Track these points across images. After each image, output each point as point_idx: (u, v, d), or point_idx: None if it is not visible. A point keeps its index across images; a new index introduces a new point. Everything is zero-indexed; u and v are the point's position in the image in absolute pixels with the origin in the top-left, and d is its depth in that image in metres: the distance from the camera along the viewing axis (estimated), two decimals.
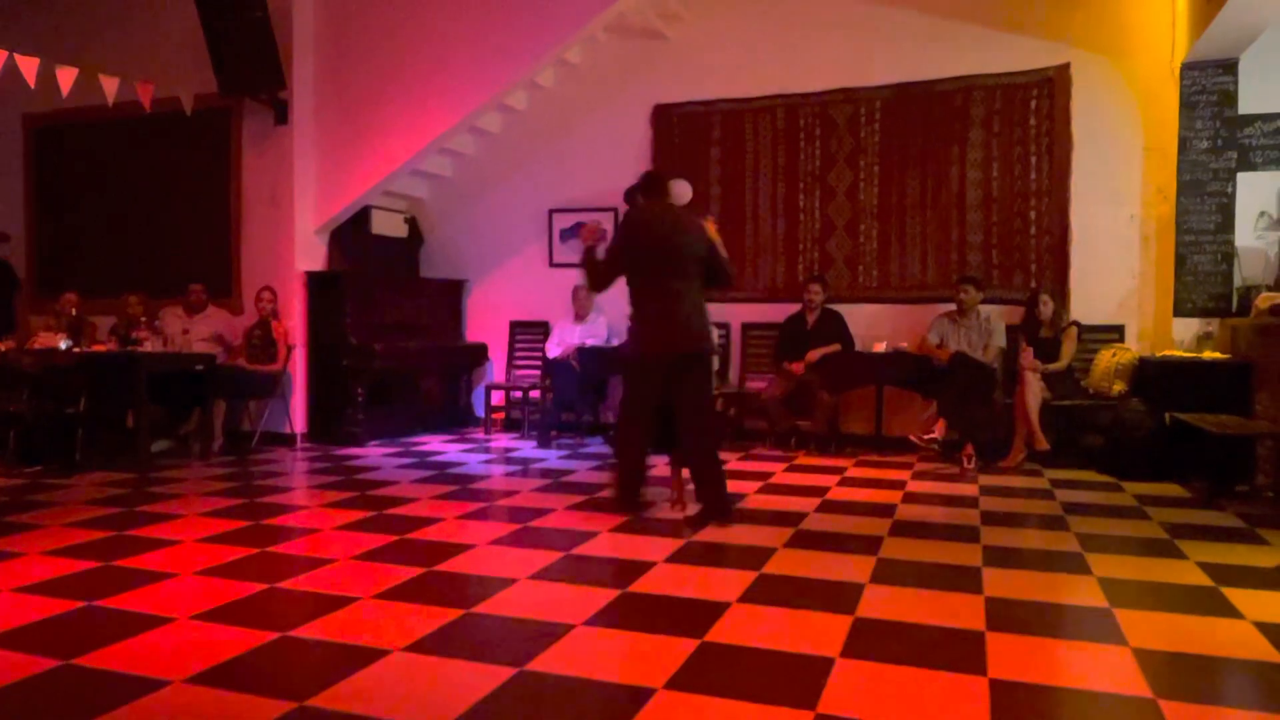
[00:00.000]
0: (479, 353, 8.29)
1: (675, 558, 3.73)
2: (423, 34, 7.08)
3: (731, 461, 6.27)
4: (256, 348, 7.05)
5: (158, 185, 7.89)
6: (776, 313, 7.23)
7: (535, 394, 7.64)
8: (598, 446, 7.05)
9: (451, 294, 8.34)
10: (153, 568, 3.57)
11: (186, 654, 2.66)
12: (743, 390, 7.29)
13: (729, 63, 7.50)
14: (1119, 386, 5.95)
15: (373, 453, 6.71)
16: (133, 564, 3.63)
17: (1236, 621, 2.95)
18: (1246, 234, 6.09)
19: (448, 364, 8.18)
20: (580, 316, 7.56)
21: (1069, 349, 6.16)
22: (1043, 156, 6.68)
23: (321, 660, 2.65)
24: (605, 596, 3.20)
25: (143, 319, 6.91)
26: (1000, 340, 6.35)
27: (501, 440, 7.45)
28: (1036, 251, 6.72)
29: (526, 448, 6.96)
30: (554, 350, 7.43)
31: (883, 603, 3.12)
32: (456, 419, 8.28)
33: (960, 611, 3.02)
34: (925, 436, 5.99)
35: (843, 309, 6.94)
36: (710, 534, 4.16)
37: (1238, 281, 6.07)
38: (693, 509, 4.61)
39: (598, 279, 4.67)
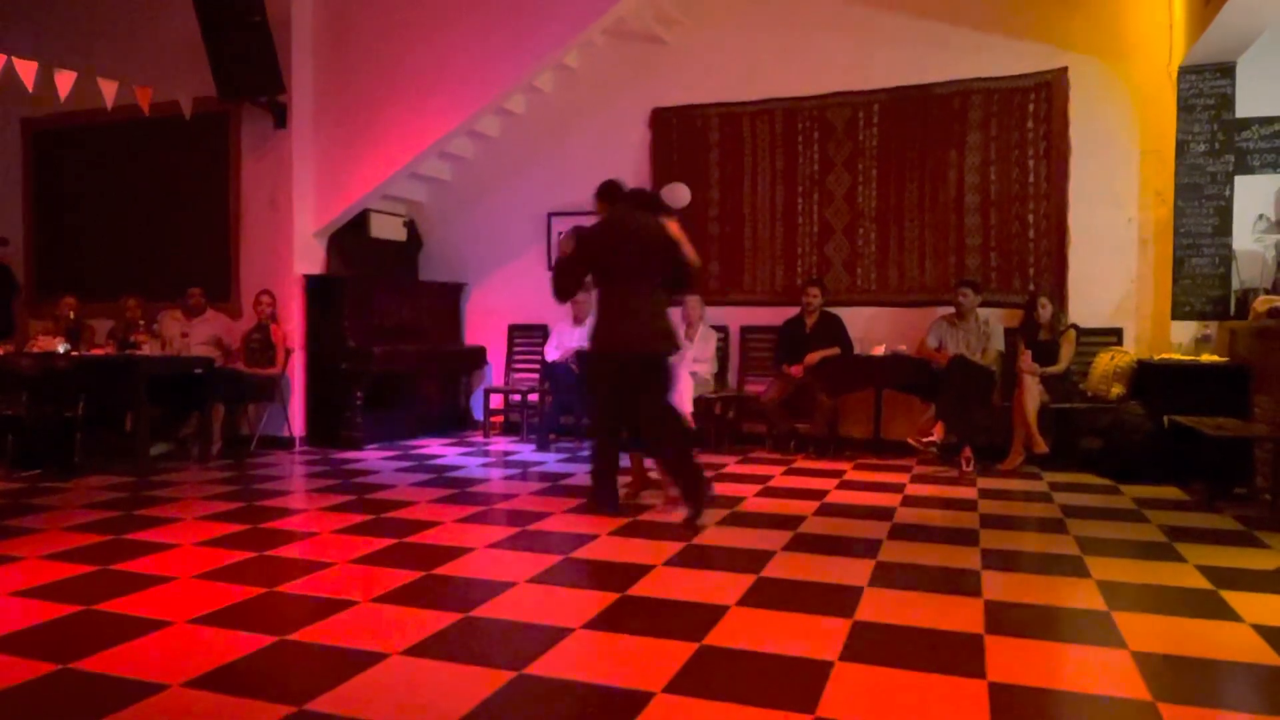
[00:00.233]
0: (478, 356, 8.29)
1: (674, 561, 3.73)
2: (422, 38, 7.09)
3: (730, 464, 6.28)
4: (255, 351, 7.05)
5: (157, 189, 7.89)
6: (775, 316, 7.24)
7: (534, 397, 7.64)
8: None
9: (450, 297, 8.34)
10: (151, 571, 3.57)
11: (185, 657, 2.66)
12: (741, 393, 7.30)
13: (727, 66, 7.51)
14: (1117, 389, 5.95)
15: (371, 456, 6.71)
16: (131, 568, 3.62)
17: (1235, 624, 2.95)
18: (1244, 237, 6.10)
19: (446, 367, 8.18)
20: (579, 320, 7.55)
21: (1067, 352, 6.17)
22: (1041, 160, 6.69)
23: (320, 664, 2.65)
24: (604, 600, 3.20)
25: (141, 322, 6.91)
26: (999, 343, 6.36)
27: (500, 443, 7.45)
28: (1035, 255, 6.73)
29: (525, 451, 6.96)
30: (553, 353, 7.42)
31: (882, 606, 3.12)
32: (455, 422, 8.27)
33: (959, 615, 3.02)
34: (924, 440, 5.99)
35: (841, 312, 6.94)
36: (709, 537, 4.16)
37: (1235, 285, 6.08)
38: (656, 500, 4.88)
39: (559, 290, 4.75)
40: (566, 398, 7.24)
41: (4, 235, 8.30)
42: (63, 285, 7.79)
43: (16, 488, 5.45)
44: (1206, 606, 3.14)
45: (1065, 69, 6.59)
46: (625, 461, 5.09)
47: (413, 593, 3.30)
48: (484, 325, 8.32)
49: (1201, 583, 3.41)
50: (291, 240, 7.28)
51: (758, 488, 5.39)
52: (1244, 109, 6.08)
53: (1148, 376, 5.86)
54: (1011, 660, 2.62)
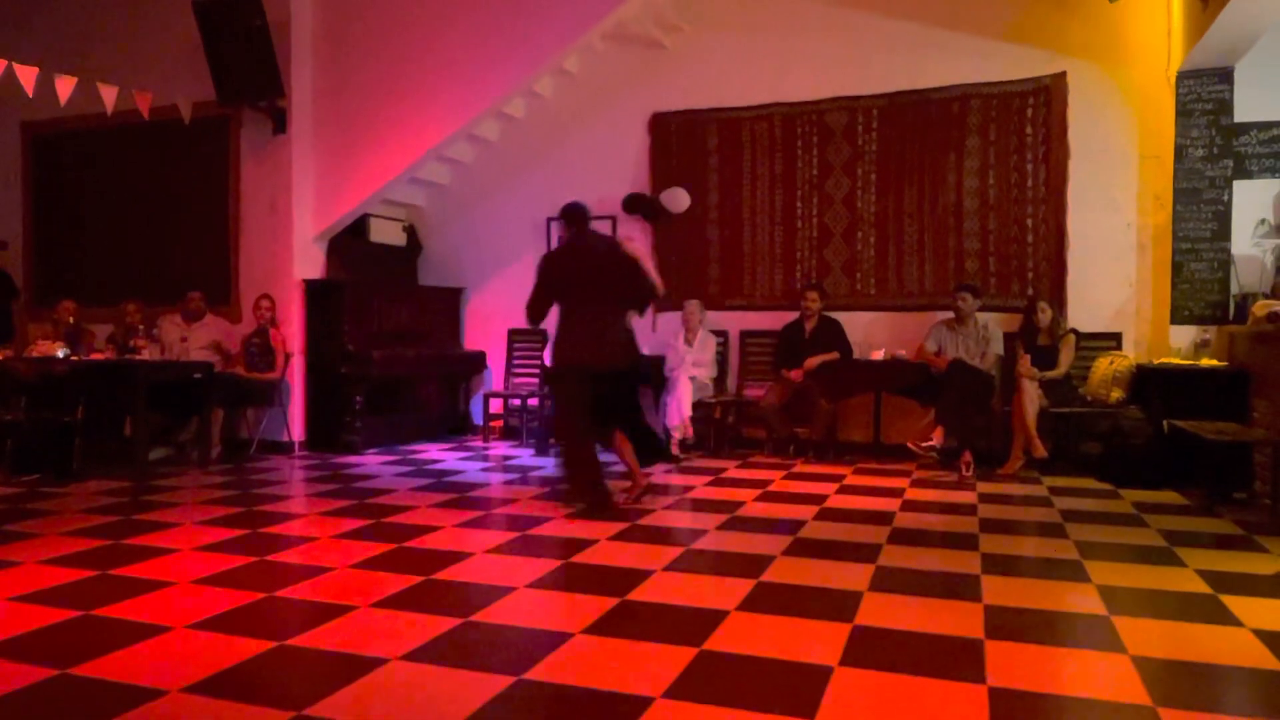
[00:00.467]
0: (477, 361, 8.29)
1: (674, 566, 3.73)
2: (421, 42, 7.10)
3: (730, 469, 6.27)
4: (254, 356, 7.05)
5: (156, 193, 7.89)
6: (774, 320, 7.25)
7: (534, 402, 7.64)
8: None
9: (450, 302, 8.34)
10: (150, 576, 3.56)
11: (184, 663, 2.66)
12: (741, 398, 7.30)
13: (726, 71, 7.53)
14: (1117, 394, 5.96)
15: (371, 461, 6.71)
16: (130, 573, 3.62)
17: (1235, 629, 2.95)
18: (1243, 241, 6.11)
19: (446, 372, 8.18)
20: None
21: (1067, 357, 6.17)
22: (1039, 164, 6.70)
23: (319, 669, 2.64)
24: (603, 605, 3.19)
25: (141, 327, 6.92)
26: (998, 348, 6.36)
27: (499, 448, 7.44)
28: (1034, 259, 6.74)
29: (524, 455, 6.96)
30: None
31: (881, 611, 3.12)
32: (455, 427, 8.27)
33: (959, 619, 3.02)
34: (923, 444, 5.99)
35: (841, 316, 6.95)
36: (709, 542, 4.16)
37: (1234, 289, 6.09)
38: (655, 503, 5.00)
39: (530, 315, 4.93)
40: None
41: (3, 239, 8.31)
42: (62, 290, 7.79)
43: (15, 492, 5.44)
44: (1206, 611, 3.14)
45: (1064, 74, 6.61)
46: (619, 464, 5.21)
47: (412, 598, 3.30)
48: (483, 330, 8.32)
49: (1201, 587, 3.41)
50: (291, 245, 7.28)
51: (757, 492, 5.39)
52: (1242, 114, 6.09)
53: (1147, 381, 5.87)
54: (1011, 665, 2.61)
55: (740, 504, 5.02)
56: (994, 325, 6.45)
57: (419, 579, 3.53)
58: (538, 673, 2.57)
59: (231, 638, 2.86)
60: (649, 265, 4.88)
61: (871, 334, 7.02)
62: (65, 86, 5.97)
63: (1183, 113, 6.18)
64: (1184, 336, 6.20)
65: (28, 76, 5.75)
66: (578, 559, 3.85)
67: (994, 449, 6.19)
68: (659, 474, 6.06)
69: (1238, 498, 5.13)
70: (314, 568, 3.71)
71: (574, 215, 4.97)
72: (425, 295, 8.19)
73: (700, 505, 5.08)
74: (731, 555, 3.93)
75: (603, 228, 7.83)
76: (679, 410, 6.65)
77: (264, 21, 6.70)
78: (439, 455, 7.01)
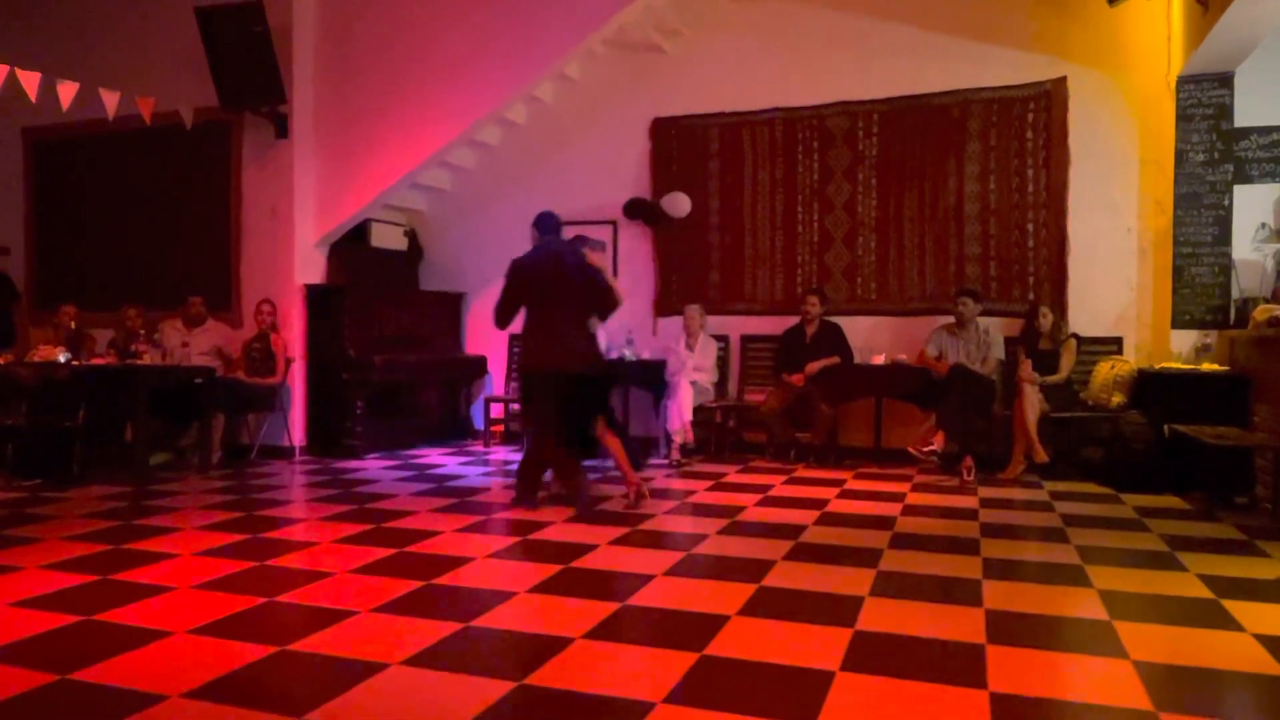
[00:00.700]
0: (478, 365, 8.30)
1: (675, 571, 3.73)
2: (423, 48, 7.12)
3: (731, 473, 6.27)
4: (256, 360, 7.05)
5: (158, 198, 7.91)
6: (775, 325, 7.25)
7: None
8: (597, 459, 7.03)
9: (451, 307, 8.35)
10: (150, 581, 3.56)
11: (184, 668, 2.65)
12: (742, 402, 7.29)
13: (727, 76, 7.54)
14: (1118, 398, 5.95)
15: (371, 465, 6.70)
16: (130, 578, 3.62)
17: (1237, 634, 2.94)
18: (1244, 246, 6.11)
19: (447, 376, 8.18)
20: None
21: (1068, 361, 6.17)
22: (1040, 169, 6.71)
23: (320, 674, 2.64)
24: (604, 609, 3.19)
25: (142, 332, 6.92)
26: (999, 352, 6.36)
27: (500, 452, 7.44)
28: (1034, 264, 6.74)
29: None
30: None
31: (882, 616, 3.11)
32: (456, 431, 8.27)
33: (960, 624, 3.01)
34: (924, 449, 5.98)
35: (841, 321, 6.95)
36: (710, 546, 4.16)
37: (1235, 294, 6.09)
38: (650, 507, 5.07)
39: (497, 319, 5.12)
40: None
41: (4, 244, 8.32)
42: (63, 294, 7.79)
43: (16, 497, 5.44)
44: (1208, 616, 3.13)
45: (1064, 79, 6.61)
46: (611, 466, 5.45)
47: (413, 602, 3.29)
48: (484, 334, 8.32)
49: (1203, 592, 3.41)
50: (292, 250, 7.29)
51: (758, 497, 5.39)
52: (1242, 119, 6.10)
53: (1148, 385, 5.86)
54: (1013, 670, 2.61)
55: (741, 509, 5.02)
56: (995, 330, 6.45)
57: (419, 584, 3.52)
58: (538, 678, 2.57)
59: (232, 643, 2.86)
60: (609, 276, 5.17)
61: (872, 339, 7.02)
62: (67, 92, 5.97)
63: (1183, 117, 6.18)
64: (1185, 341, 6.20)
65: (30, 82, 5.76)
66: (578, 564, 3.85)
67: (995, 453, 6.18)
68: (660, 478, 6.07)
69: (1239, 502, 5.13)
70: (314, 572, 3.71)
71: (544, 224, 5.20)
72: (426, 300, 8.20)
73: (701, 510, 5.08)
74: (732, 560, 3.92)
75: (604, 232, 7.88)
76: (680, 415, 6.65)
77: (266, 27, 6.71)
78: (440, 460, 7.01)
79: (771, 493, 5.55)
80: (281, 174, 7.30)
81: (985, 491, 5.59)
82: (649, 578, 3.60)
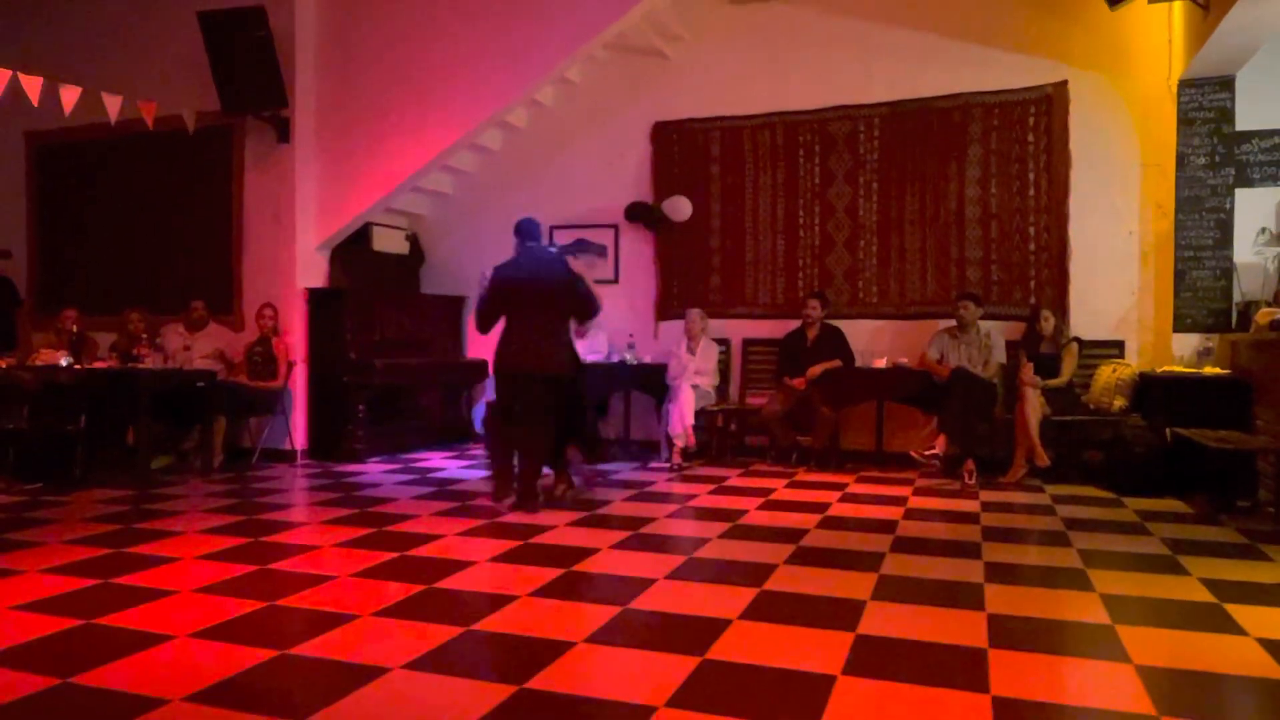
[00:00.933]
0: (479, 369, 8.29)
1: (676, 574, 3.72)
2: (424, 52, 7.13)
3: (732, 477, 6.27)
4: (257, 364, 7.06)
5: (160, 202, 7.92)
6: (777, 329, 7.25)
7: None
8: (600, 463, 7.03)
9: (452, 310, 8.35)
10: (152, 585, 3.56)
11: (186, 672, 2.65)
12: (743, 406, 7.29)
13: (728, 80, 7.55)
14: (1119, 402, 5.95)
15: (373, 469, 6.70)
16: (132, 581, 3.62)
17: (1240, 638, 2.94)
18: (1245, 249, 6.11)
19: (448, 380, 8.18)
20: (581, 333, 7.57)
21: (1069, 365, 6.17)
22: (1041, 173, 6.71)
23: (321, 678, 2.64)
24: (606, 613, 3.19)
25: (144, 336, 6.92)
26: (1000, 356, 6.36)
27: None
28: (1036, 267, 6.74)
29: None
30: None
31: (884, 620, 3.11)
32: (457, 435, 8.27)
33: (962, 628, 3.01)
34: (926, 452, 5.98)
35: (843, 324, 6.95)
36: (712, 550, 4.16)
37: (1237, 297, 6.08)
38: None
39: (479, 324, 5.39)
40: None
41: (7, 248, 8.33)
42: (65, 298, 7.80)
43: (18, 501, 5.44)
44: (1211, 620, 3.13)
45: (1065, 82, 6.62)
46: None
47: (414, 606, 3.29)
48: (486, 338, 8.29)
49: (1205, 596, 3.40)
50: (294, 253, 7.30)
51: (760, 500, 5.39)
52: (1244, 122, 6.10)
53: (1150, 389, 5.86)
54: (1015, 674, 2.61)
55: (743, 512, 5.02)
56: (996, 333, 6.45)
57: (421, 587, 3.52)
58: (540, 682, 2.57)
59: (233, 646, 2.86)
60: (590, 284, 5.31)
61: (874, 342, 7.02)
62: (70, 96, 5.98)
63: (1184, 121, 6.18)
64: (1186, 345, 6.19)
65: (32, 86, 5.77)
66: (580, 567, 3.85)
67: (997, 457, 6.17)
68: (661, 482, 6.07)
69: (1241, 506, 5.12)
70: (316, 576, 3.71)
71: (525, 230, 5.36)
72: (428, 304, 8.20)
73: (702, 513, 5.08)
74: (734, 564, 3.92)
75: (605, 236, 7.90)
76: (681, 419, 6.65)
77: (268, 32, 6.73)
78: (441, 463, 7.00)
79: (773, 496, 5.55)
80: (283, 178, 7.32)
81: (987, 495, 5.59)
82: (650, 581, 3.60)
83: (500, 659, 2.80)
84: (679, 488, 5.90)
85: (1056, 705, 2.43)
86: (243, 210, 7.51)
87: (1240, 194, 6.12)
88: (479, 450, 7.76)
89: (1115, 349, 6.47)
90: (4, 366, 6.28)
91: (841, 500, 5.41)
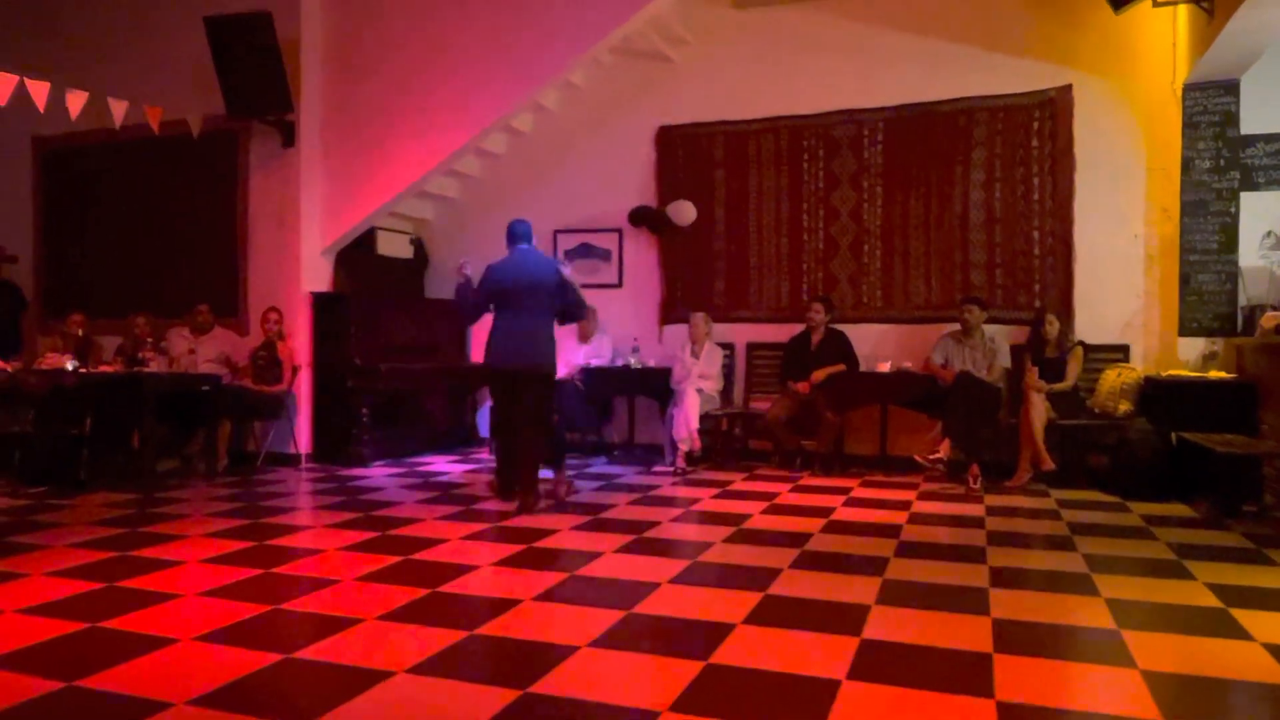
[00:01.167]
0: (483, 373, 8.29)
1: (680, 579, 3.72)
2: (429, 56, 7.14)
3: (736, 481, 6.26)
4: (262, 368, 7.07)
5: (165, 207, 7.94)
6: (781, 333, 7.25)
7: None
8: (602, 466, 7.04)
9: (456, 314, 8.35)
10: (157, 588, 3.57)
11: (190, 675, 2.66)
12: (747, 410, 7.29)
13: (733, 85, 7.56)
14: (1124, 406, 5.93)
15: (377, 473, 6.71)
16: (137, 585, 3.62)
17: (1246, 643, 2.93)
18: (1250, 253, 6.10)
19: (452, 384, 8.19)
20: (584, 337, 7.58)
21: (1074, 369, 6.16)
22: (1045, 177, 6.71)
23: (325, 682, 2.64)
24: (610, 618, 3.18)
25: (149, 340, 6.95)
26: (1005, 360, 6.35)
27: None
28: (1040, 271, 6.73)
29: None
30: (559, 370, 7.42)
31: (889, 624, 3.11)
32: (461, 439, 8.28)
33: (967, 633, 3.00)
34: (930, 456, 5.97)
35: (847, 329, 6.94)
36: (715, 555, 4.15)
37: (1242, 301, 6.07)
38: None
39: (466, 317, 5.84)
40: (572, 414, 7.25)
41: (13, 253, 8.36)
42: (71, 302, 7.83)
43: (23, 504, 5.45)
44: (1216, 625, 3.12)
45: (1069, 86, 6.61)
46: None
47: (418, 610, 3.29)
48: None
49: (1211, 601, 3.39)
50: (299, 258, 7.31)
51: (764, 505, 5.38)
52: (1249, 126, 6.09)
53: (1155, 393, 5.85)
54: (1020, 679, 2.60)
55: (747, 516, 5.01)
56: (1001, 338, 6.45)
57: (425, 591, 3.52)
58: (544, 686, 2.56)
59: (238, 650, 2.86)
60: (578, 287, 5.56)
61: (878, 346, 7.02)
62: (76, 101, 6.01)
63: (1189, 125, 6.18)
64: (1192, 349, 6.18)
65: (39, 91, 5.80)
66: (583, 571, 3.85)
67: (1001, 461, 6.16)
68: (666, 486, 6.07)
69: (1247, 510, 5.10)
70: (320, 580, 3.71)
71: (515, 232, 5.53)
72: (432, 308, 8.21)
73: (706, 518, 5.07)
74: (738, 568, 3.91)
75: (609, 240, 7.90)
76: (686, 423, 6.65)
77: (274, 37, 6.74)
78: (445, 468, 7.01)
79: (777, 500, 5.54)
80: (288, 182, 7.33)
81: (991, 499, 5.57)
82: (654, 586, 3.60)
83: (504, 663, 2.80)
84: (683, 492, 5.90)
85: (1062, 710, 2.43)
86: (248, 214, 7.53)
87: (1245, 198, 6.11)
88: (483, 454, 7.76)
89: (1120, 353, 6.45)
90: (9, 370, 6.30)
91: (845, 504, 5.40)
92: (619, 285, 7.96)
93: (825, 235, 7.34)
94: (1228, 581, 3.65)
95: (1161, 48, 6.41)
